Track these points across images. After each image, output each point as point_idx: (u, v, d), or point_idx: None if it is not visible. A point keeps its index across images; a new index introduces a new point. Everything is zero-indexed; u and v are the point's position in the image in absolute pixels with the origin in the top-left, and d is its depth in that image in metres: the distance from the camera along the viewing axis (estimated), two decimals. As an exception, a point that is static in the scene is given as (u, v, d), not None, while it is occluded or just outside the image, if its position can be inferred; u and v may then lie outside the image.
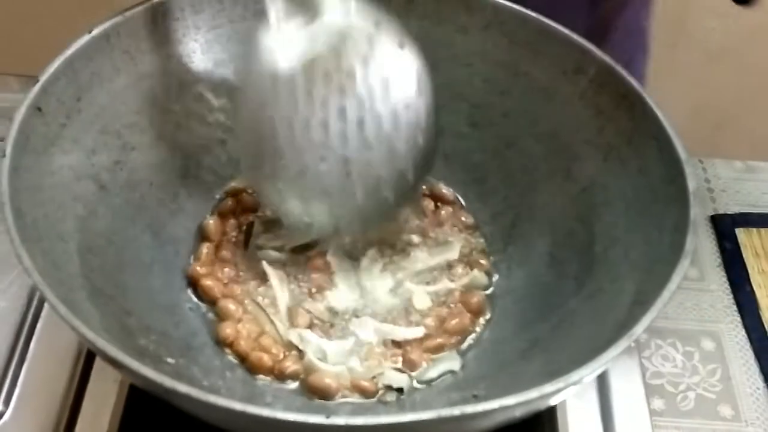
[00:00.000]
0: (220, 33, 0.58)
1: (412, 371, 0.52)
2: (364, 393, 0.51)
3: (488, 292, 0.57)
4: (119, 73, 0.54)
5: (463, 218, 0.60)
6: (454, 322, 0.55)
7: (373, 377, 0.52)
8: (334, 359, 0.52)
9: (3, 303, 0.57)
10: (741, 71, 1.33)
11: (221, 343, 0.53)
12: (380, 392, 0.51)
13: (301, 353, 0.52)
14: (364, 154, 0.50)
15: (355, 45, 0.50)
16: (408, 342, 0.53)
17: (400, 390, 0.51)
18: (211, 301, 0.55)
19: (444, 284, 0.57)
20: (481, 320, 0.56)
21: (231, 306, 0.54)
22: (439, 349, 0.54)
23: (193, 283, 0.55)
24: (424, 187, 0.61)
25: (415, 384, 0.52)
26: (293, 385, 0.52)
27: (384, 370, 0.52)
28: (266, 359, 0.51)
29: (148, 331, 0.50)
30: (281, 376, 0.51)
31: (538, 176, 0.58)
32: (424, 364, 0.53)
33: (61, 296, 0.42)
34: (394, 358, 0.53)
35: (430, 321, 0.55)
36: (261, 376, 0.51)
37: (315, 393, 0.51)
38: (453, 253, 0.58)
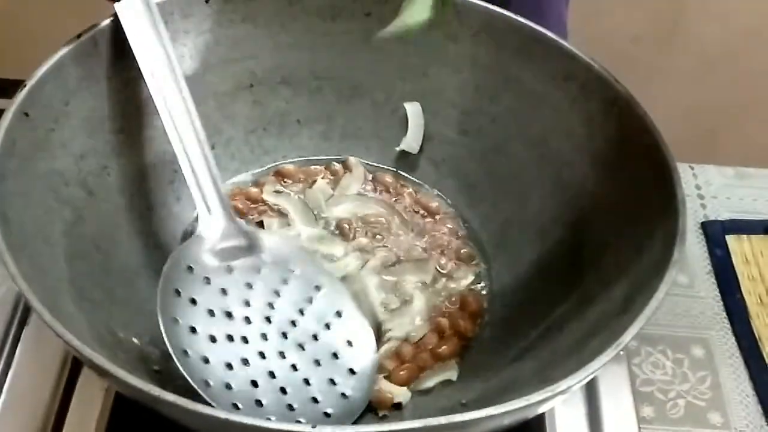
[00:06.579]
0: (209, 37, 0.58)
1: (408, 384, 0.52)
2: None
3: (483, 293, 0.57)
4: (107, 78, 0.54)
5: (450, 225, 0.60)
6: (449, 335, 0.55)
7: None
8: None
9: (-11, 308, 0.56)
10: (735, 76, 1.33)
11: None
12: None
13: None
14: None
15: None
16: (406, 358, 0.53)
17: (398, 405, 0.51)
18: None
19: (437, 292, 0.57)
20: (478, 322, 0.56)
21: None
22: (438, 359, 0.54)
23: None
24: (410, 199, 0.61)
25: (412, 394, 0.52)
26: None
27: (381, 384, 0.52)
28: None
29: (135, 338, 0.49)
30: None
31: (528, 183, 0.58)
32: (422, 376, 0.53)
33: (46, 303, 0.41)
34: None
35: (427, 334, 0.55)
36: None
37: None
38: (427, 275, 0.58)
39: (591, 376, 0.42)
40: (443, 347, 0.54)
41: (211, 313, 0.49)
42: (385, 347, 0.53)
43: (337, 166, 0.63)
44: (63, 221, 0.50)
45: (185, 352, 0.47)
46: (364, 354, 0.51)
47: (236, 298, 0.50)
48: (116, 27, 0.53)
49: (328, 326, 0.51)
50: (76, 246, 0.50)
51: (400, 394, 0.51)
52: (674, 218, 0.47)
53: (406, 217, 0.60)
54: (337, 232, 0.59)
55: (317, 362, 0.50)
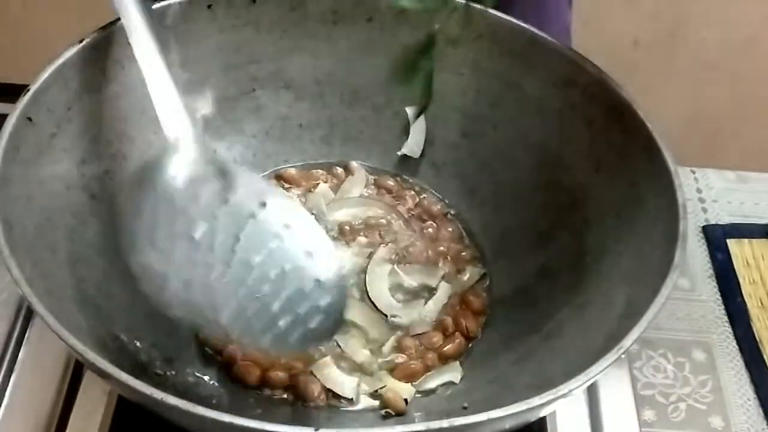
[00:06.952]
0: (211, 42, 0.58)
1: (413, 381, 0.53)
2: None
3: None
4: (110, 82, 0.54)
5: (451, 228, 0.60)
6: (452, 343, 0.55)
7: (376, 391, 0.52)
8: None
9: (-8, 312, 0.56)
10: (736, 80, 1.33)
11: (210, 348, 0.53)
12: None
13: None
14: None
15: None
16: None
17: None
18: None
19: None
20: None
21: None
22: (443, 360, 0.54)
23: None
24: (412, 202, 0.61)
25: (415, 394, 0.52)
26: (282, 395, 0.51)
27: (388, 383, 0.52)
28: (253, 368, 0.51)
29: (138, 342, 0.49)
30: (269, 386, 0.51)
31: (529, 187, 0.58)
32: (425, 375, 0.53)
33: (50, 307, 0.42)
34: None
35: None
36: (250, 387, 0.51)
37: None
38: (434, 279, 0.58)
39: (592, 380, 0.42)
40: (448, 346, 0.54)
41: (172, 233, 0.48)
42: (390, 341, 0.54)
43: (339, 170, 0.63)
44: (66, 226, 0.50)
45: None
46: (327, 263, 0.49)
47: (195, 221, 0.48)
48: (118, 31, 0.53)
49: (280, 238, 0.49)
50: (79, 250, 0.50)
51: (405, 390, 0.52)
52: (675, 222, 0.47)
53: (407, 220, 0.60)
54: (337, 235, 0.59)
55: (282, 273, 0.48)
